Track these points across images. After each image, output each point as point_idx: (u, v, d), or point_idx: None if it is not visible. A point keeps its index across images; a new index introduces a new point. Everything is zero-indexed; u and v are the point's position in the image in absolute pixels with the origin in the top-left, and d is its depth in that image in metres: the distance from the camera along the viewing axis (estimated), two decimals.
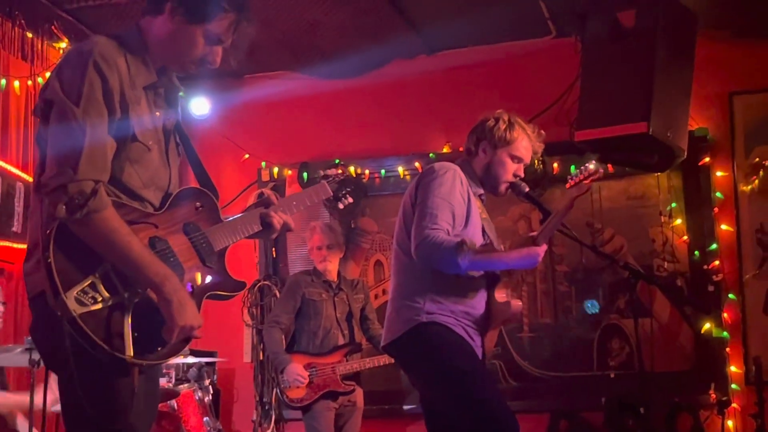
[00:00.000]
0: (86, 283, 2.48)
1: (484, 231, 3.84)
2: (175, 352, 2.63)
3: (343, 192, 3.38)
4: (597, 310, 6.48)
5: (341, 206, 3.41)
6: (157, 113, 2.76)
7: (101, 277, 2.50)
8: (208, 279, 2.74)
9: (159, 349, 2.55)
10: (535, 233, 3.79)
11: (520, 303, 3.93)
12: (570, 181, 3.77)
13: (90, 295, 2.47)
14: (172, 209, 2.73)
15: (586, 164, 3.74)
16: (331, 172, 3.39)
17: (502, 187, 3.94)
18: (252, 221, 2.91)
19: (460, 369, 3.60)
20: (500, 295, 3.79)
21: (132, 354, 2.47)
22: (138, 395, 2.55)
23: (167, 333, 2.54)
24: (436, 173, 3.74)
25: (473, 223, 3.75)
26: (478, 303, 3.75)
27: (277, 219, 2.94)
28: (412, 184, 3.84)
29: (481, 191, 3.94)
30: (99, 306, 2.47)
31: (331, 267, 5.97)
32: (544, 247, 3.70)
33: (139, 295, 2.52)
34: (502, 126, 3.90)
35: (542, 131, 4.00)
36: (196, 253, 2.72)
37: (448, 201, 3.66)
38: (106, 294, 2.49)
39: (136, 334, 2.50)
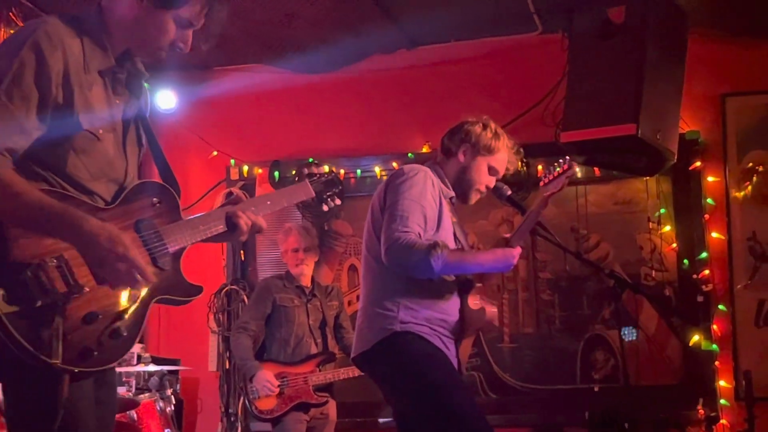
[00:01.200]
0: (19, 279, 2.40)
1: (455, 236, 3.90)
2: (116, 357, 2.57)
3: (329, 193, 3.32)
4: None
5: (326, 208, 3.33)
6: (117, 101, 2.71)
7: (33, 274, 2.41)
8: (158, 281, 2.66)
9: (95, 352, 2.49)
10: (509, 235, 3.85)
11: (495, 309, 3.98)
12: (543, 179, 3.84)
13: (18, 294, 2.40)
14: (126, 204, 2.68)
15: (560, 160, 3.80)
16: (316, 170, 3.30)
17: (473, 195, 4.00)
18: (215, 221, 2.83)
19: (436, 381, 3.62)
20: (474, 302, 3.84)
21: (60, 360, 2.38)
22: (88, 404, 2.53)
23: (109, 276, 2.49)
24: (406, 175, 3.77)
25: (445, 227, 3.80)
26: (452, 310, 3.79)
27: (245, 219, 2.85)
28: (381, 187, 3.88)
29: (452, 193, 3.99)
30: (29, 305, 2.40)
31: (308, 271, 5.97)
32: (518, 249, 3.77)
33: (75, 295, 2.45)
34: (489, 134, 3.97)
35: (521, 149, 4.09)
36: (146, 252, 2.65)
37: (419, 203, 3.70)
38: (38, 293, 2.41)
39: (69, 338, 2.42)
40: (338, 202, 3.34)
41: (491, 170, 3.99)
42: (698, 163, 6.59)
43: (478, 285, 3.87)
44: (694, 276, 6.51)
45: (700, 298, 6.46)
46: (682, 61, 5.58)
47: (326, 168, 6.84)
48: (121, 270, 2.49)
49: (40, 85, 2.50)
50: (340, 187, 3.35)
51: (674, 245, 6.61)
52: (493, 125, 4.02)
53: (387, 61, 7.18)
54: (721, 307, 6.48)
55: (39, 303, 2.41)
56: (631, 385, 4.89)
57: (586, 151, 5.70)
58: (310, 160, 7.01)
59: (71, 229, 2.46)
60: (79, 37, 2.61)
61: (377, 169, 7.11)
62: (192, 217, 2.83)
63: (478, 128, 3.99)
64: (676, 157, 5.58)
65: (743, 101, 6.62)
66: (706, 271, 6.50)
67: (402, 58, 7.17)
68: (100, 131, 2.63)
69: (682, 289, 6.58)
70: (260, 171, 7.27)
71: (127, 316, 2.58)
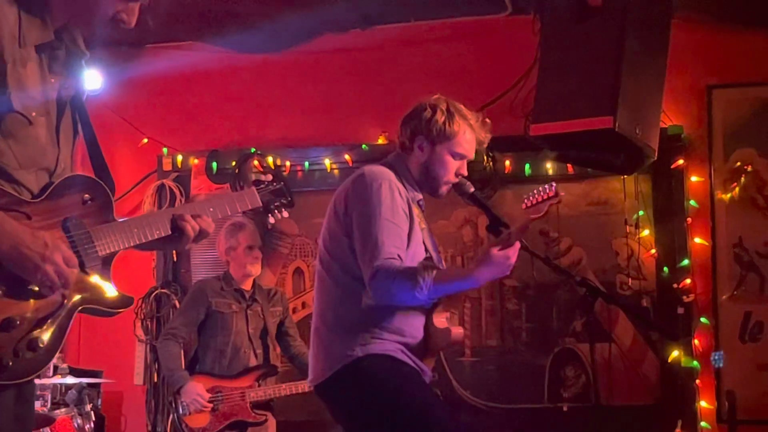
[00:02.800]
0: None
1: (425, 245, 3.86)
2: (34, 370, 2.54)
3: (277, 204, 3.31)
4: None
5: (272, 221, 3.34)
6: (52, 80, 2.68)
7: None
8: (84, 288, 2.65)
9: (9, 363, 2.47)
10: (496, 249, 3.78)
11: (462, 330, 3.96)
12: (526, 201, 3.81)
13: None
14: (54, 199, 2.65)
15: (545, 186, 3.78)
16: (264, 178, 3.30)
17: (443, 189, 3.94)
18: (155, 223, 2.82)
19: (412, 403, 3.59)
20: (440, 320, 3.80)
21: None
22: (6, 421, 2.50)
23: (30, 278, 2.47)
24: (371, 187, 3.70)
25: (415, 239, 3.76)
26: (416, 329, 3.75)
27: (192, 224, 2.85)
28: (340, 193, 3.81)
29: (420, 196, 3.94)
30: None
31: (256, 272, 5.96)
32: (516, 246, 3.70)
33: None
34: (441, 118, 3.87)
35: (488, 119, 4.00)
36: (73, 255, 2.61)
37: (393, 222, 3.66)
38: None
39: None
40: (285, 214, 3.35)
41: (456, 156, 3.91)
42: (681, 161, 6.64)
43: (444, 302, 3.84)
44: (675, 285, 6.55)
45: (680, 310, 6.50)
46: (665, 49, 5.58)
47: (270, 160, 6.84)
48: (46, 272, 2.47)
49: None
50: (290, 199, 3.34)
51: (653, 251, 6.65)
52: (444, 105, 3.91)
53: (339, 41, 7.18)
54: (703, 319, 6.52)
55: None
56: (604, 405, 4.90)
57: (558, 146, 5.71)
58: (252, 150, 7.01)
59: None
60: (16, 8, 2.57)
61: (327, 162, 7.08)
62: (126, 218, 2.80)
63: (427, 114, 3.89)
64: (656, 154, 5.58)
65: (731, 94, 6.66)
66: (688, 280, 6.54)
67: (356, 38, 7.17)
68: (33, 114, 2.60)
69: (661, 299, 6.62)
70: (196, 161, 7.22)
71: (46, 326, 2.55)
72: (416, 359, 3.75)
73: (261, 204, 3.22)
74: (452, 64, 6.98)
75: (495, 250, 3.60)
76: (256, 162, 7.00)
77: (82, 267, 2.64)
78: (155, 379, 6.93)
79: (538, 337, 6.77)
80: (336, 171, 7.06)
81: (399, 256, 3.61)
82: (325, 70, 7.21)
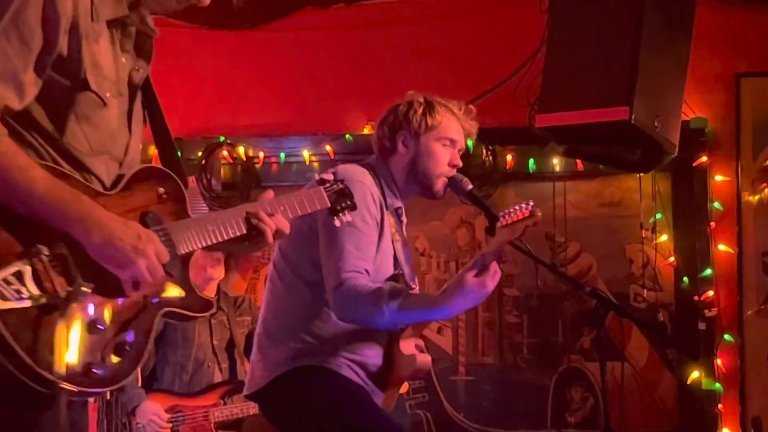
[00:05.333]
0: (10, 271, 2.39)
1: (396, 260, 3.90)
2: (121, 377, 2.56)
3: (342, 206, 3.35)
4: None
5: (338, 224, 3.39)
6: (123, 59, 2.72)
7: (32, 265, 2.41)
8: (171, 291, 2.71)
9: (97, 370, 2.48)
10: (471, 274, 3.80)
11: (429, 359, 3.99)
12: (503, 219, 3.84)
13: (14, 287, 2.39)
14: (129, 191, 2.68)
15: (522, 204, 3.81)
16: (327, 176, 3.37)
17: (438, 185, 3.98)
18: (230, 222, 2.86)
19: (356, 421, 3.65)
20: (407, 346, 3.87)
21: (64, 374, 2.39)
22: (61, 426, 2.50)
23: (122, 274, 2.51)
24: None
25: (383, 250, 3.83)
26: (372, 349, 3.82)
27: (269, 223, 2.90)
28: None
29: (399, 204, 4.01)
30: (27, 304, 2.39)
31: (219, 276, 6.02)
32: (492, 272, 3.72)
33: (82, 294, 2.45)
34: (419, 109, 3.96)
35: (472, 107, 4.09)
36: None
37: (361, 230, 3.72)
38: (35, 290, 2.41)
39: (70, 350, 2.42)
40: (348, 218, 3.38)
41: (445, 143, 3.98)
42: (704, 159, 6.64)
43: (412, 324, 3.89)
44: (696, 298, 6.56)
45: (701, 326, 6.52)
46: (689, 32, 5.61)
47: (242, 151, 6.79)
48: (138, 268, 2.51)
49: (45, 28, 2.49)
50: (353, 201, 3.39)
51: (672, 259, 6.67)
52: (420, 98, 4.02)
53: (321, 17, 7.17)
54: (727, 337, 6.54)
55: (40, 301, 2.41)
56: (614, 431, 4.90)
57: (567, 139, 5.72)
58: (221, 138, 6.99)
59: (75, 215, 2.46)
60: None
61: (306, 153, 7.07)
62: (202, 214, 2.87)
63: (402, 108, 4.00)
64: (677, 150, 5.61)
65: (761, 83, 6.67)
66: (710, 292, 6.55)
67: (339, 15, 7.16)
68: (107, 94, 2.63)
69: (679, 313, 6.65)
70: (156, 151, 7.16)
71: (131, 328, 2.62)
72: (369, 381, 3.80)
73: (329, 204, 3.29)
74: (448, 46, 6.99)
75: (470, 276, 3.62)
76: (225, 152, 6.98)
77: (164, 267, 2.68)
78: (107, 396, 6.90)
79: (541, 354, 6.78)
80: (315, 164, 7.05)
81: (366, 270, 3.68)
82: (305, 49, 7.20)
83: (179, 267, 2.73)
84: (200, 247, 2.79)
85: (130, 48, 2.75)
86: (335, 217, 3.34)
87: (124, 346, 2.56)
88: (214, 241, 2.81)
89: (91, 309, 2.50)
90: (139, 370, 5.69)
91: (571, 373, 6.73)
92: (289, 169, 7.12)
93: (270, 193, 3.02)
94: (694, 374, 6.49)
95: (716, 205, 6.65)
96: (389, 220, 3.88)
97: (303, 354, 3.71)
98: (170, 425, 5.65)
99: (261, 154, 7.07)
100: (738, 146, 6.66)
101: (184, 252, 2.74)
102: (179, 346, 5.81)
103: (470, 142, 6.49)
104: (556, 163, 6.76)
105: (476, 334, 6.86)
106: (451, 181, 4.00)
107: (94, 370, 2.48)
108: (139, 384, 5.80)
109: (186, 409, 5.70)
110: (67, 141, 2.57)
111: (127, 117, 2.75)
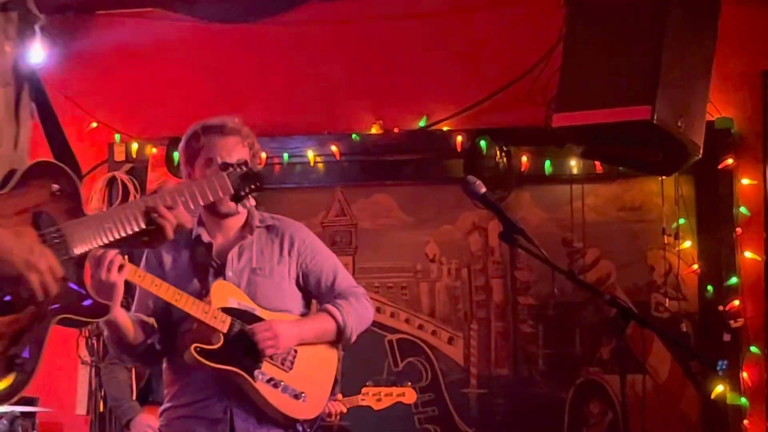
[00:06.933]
0: None
1: None
2: (20, 388, 2.58)
3: (246, 190, 3.44)
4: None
5: (240, 210, 3.55)
6: (7, 47, 2.71)
7: None
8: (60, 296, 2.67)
9: None
10: None
11: None
12: None
13: None
14: (21, 190, 2.66)
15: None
16: (229, 160, 3.48)
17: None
18: (128, 218, 2.86)
19: None
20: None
21: None
22: None
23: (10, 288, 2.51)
24: None
25: None
26: None
27: (169, 217, 2.93)
28: None
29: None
30: None
31: None
32: None
33: None
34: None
35: (206, 122, 4.34)
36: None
37: None
38: None
39: None
40: (252, 202, 3.54)
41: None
42: (730, 161, 6.64)
43: None
44: (720, 307, 6.56)
45: (726, 337, 6.51)
46: (714, 28, 5.60)
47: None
48: (29, 282, 2.51)
49: None
50: (259, 183, 3.50)
51: (695, 266, 6.67)
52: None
53: (328, 10, 7.19)
54: (753, 349, 6.53)
55: None
56: None
57: (585, 140, 5.73)
58: None
59: None
60: None
61: (311, 154, 7.10)
62: (96, 213, 2.85)
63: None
64: (701, 152, 5.60)
65: None
66: (736, 302, 6.55)
67: (346, 8, 7.18)
68: None
69: (703, 323, 6.65)
70: (154, 150, 7.22)
71: (23, 342, 2.59)
72: None
73: (232, 190, 3.35)
74: (461, 41, 7.00)
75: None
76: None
77: None
78: (101, 409, 6.92)
79: (558, 365, 6.79)
80: (320, 164, 7.08)
81: None
82: (311, 44, 7.22)
83: (74, 270, 2.72)
84: (97, 246, 2.79)
85: (12, 34, 2.73)
86: (238, 202, 3.48)
87: (14, 359, 2.56)
88: (112, 239, 2.81)
89: None
90: (134, 383, 5.78)
91: (589, 386, 6.73)
92: (292, 170, 7.15)
93: (170, 183, 3.02)
94: (719, 388, 6.48)
95: (742, 209, 6.64)
96: None
97: None
98: None
99: (263, 155, 7.06)
100: (765, 148, 6.64)
101: (79, 253, 2.74)
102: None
103: (484, 143, 6.58)
104: (574, 164, 6.77)
105: (489, 344, 6.86)
106: (465, 185, 4.01)
107: None
108: (134, 396, 5.80)
109: None
110: None
111: (14, 109, 2.73)
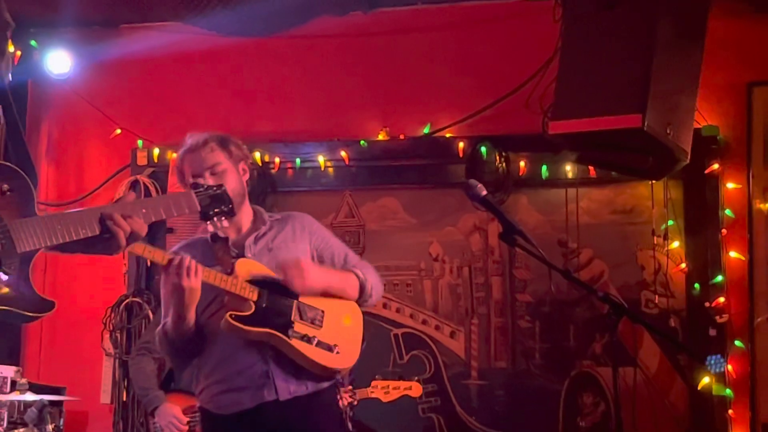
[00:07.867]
0: None
1: None
2: None
3: (216, 210, 3.42)
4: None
5: (211, 229, 3.46)
6: None
7: None
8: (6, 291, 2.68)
9: None
10: None
11: None
12: None
13: None
14: None
15: None
16: (202, 181, 3.50)
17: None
18: (82, 222, 2.83)
19: None
20: None
21: None
22: None
23: None
24: None
25: None
26: None
27: (123, 225, 2.88)
28: None
29: None
30: None
31: None
32: None
33: None
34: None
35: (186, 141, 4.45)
36: None
37: None
38: None
39: None
40: (225, 224, 3.51)
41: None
42: (716, 166, 6.67)
43: None
44: (707, 304, 6.58)
45: (712, 332, 6.54)
46: (701, 41, 5.61)
47: (258, 156, 6.82)
48: None
49: None
50: (230, 206, 3.48)
51: (683, 266, 6.70)
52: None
53: (338, 24, 7.20)
54: (737, 343, 6.55)
55: None
56: None
57: (580, 146, 5.74)
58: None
59: None
60: None
61: (321, 159, 7.13)
62: (50, 214, 2.83)
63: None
64: (689, 158, 5.62)
65: None
66: (721, 299, 6.57)
67: (356, 23, 7.20)
68: None
69: (691, 319, 6.67)
70: (174, 155, 7.19)
71: None
72: None
73: (199, 208, 3.34)
74: (463, 53, 7.04)
75: None
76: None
77: None
78: (124, 398, 6.94)
79: (554, 359, 6.82)
80: (330, 169, 7.11)
81: None
82: (321, 56, 7.26)
83: (18, 265, 2.72)
84: (44, 246, 2.78)
85: None
86: (208, 221, 3.43)
87: None
88: (61, 241, 2.78)
89: None
90: (156, 371, 5.81)
91: (583, 378, 6.75)
92: (303, 175, 7.18)
93: (131, 195, 3.01)
94: (705, 380, 6.51)
95: (727, 212, 6.66)
96: None
97: None
98: (187, 427, 5.69)
99: (277, 160, 7.13)
100: (749, 154, 6.67)
101: (24, 250, 2.73)
102: None
103: (484, 149, 6.63)
104: (569, 169, 6.79)
105: (489, 339, 6.90)
106: (467, 188, 4.06)
107: None
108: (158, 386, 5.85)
109: None
110: None
111: None
